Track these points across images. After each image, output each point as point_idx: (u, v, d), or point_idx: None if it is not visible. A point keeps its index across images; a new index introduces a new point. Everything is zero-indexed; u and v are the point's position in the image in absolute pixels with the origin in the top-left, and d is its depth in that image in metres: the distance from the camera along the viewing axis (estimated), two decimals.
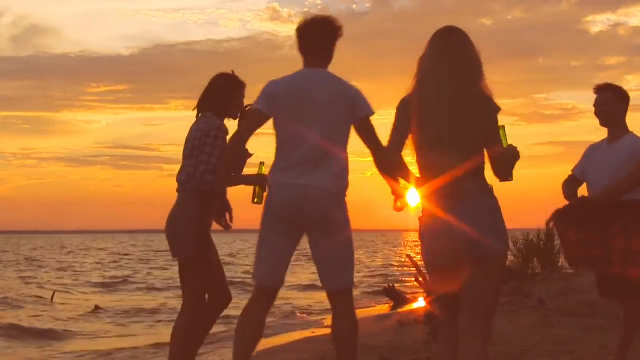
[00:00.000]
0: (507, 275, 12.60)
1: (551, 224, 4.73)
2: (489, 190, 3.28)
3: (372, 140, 4.04)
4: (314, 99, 3.99)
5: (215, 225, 4.90)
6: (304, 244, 4.16)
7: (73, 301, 16.67)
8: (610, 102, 4.78)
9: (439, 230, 3.25)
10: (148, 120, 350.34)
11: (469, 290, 3.22)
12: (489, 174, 3.32)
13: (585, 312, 8.68)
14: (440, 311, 3.42)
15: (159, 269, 29.62)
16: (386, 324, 9.48)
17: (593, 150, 4.92)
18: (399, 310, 12.44)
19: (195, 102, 4.95)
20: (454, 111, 3.22)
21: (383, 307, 13.80)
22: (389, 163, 3.57)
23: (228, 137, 4.50)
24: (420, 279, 10.71)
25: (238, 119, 4.76)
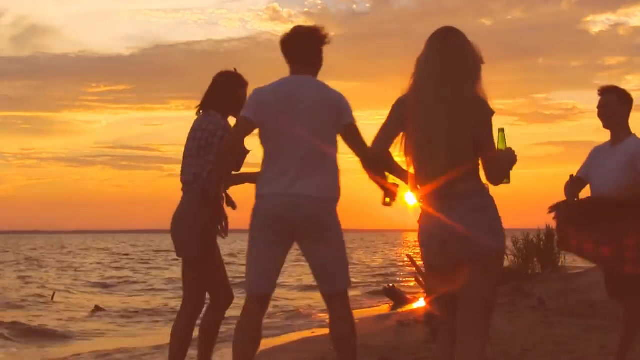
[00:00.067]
0: (507, 275, 12.63)
1: (553, 214, 4.72)
2: (483, 189, 3.27)
3: (358, 146, 4.02)
4: (302, 106, 3.97)
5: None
6: None
7: (73, 301, 16.68)
8: (613, 105, 4.81)
9: (434, 231, 3.26)
10: (148, 120, 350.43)
11: (467, 288, 3.22)
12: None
13: (585, 312, 8.69)
14: (439, 311, 3.42)
15: (159, 269, 29.63)
16: (386, 324, 9.49)
17: (597, 153, 4.95)
18: (399, 310, 12.45)
19: (195, 102, 4.95)
20: (447, 113, 3.21)
21: (383, 307, 13.81)
22: (376, 166, 3.57)
23: None
24: (421, 279, 10.72)
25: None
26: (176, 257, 4.95)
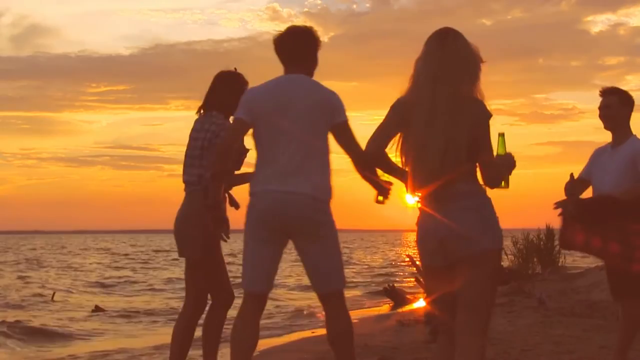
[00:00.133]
0: (507, 275, 12.64)
1: (559, 210, 4.70)
2: (480, 190, 3.28)
3: (350, 145, 4.00)
4: (294, 105, 3.96)
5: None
6: None
7: (73, 301, 16.67)
8: (614, 106, 4.82)
9: (432, 232, 3.27)
10: (148, 120, 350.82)
11: (465, 288, 3.23)
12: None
13: (585, 312, 8.69)
14: (439, 311, 3.42)
15: (159, 269, 29.62)
16: (386, 324, 9.49)
17: (599, 154, 4.97)
18: (399, 310, 12.44)
19: (195, 102, 4.96)
20: (444, 114, 3.21)
21: (383, 307, 13.80)
22: (372, 166, 3.56)
23: None
24: (421, 279, 10.72)
25: None
26: (176, 257, 4.95)
